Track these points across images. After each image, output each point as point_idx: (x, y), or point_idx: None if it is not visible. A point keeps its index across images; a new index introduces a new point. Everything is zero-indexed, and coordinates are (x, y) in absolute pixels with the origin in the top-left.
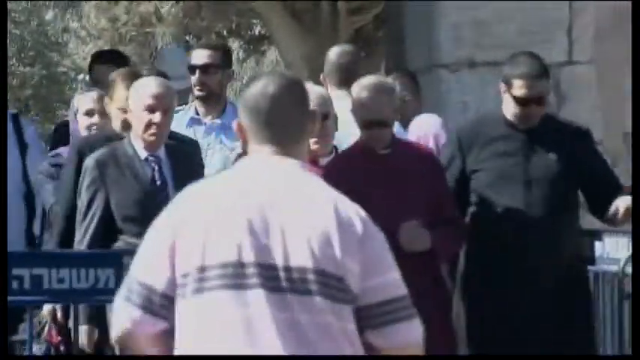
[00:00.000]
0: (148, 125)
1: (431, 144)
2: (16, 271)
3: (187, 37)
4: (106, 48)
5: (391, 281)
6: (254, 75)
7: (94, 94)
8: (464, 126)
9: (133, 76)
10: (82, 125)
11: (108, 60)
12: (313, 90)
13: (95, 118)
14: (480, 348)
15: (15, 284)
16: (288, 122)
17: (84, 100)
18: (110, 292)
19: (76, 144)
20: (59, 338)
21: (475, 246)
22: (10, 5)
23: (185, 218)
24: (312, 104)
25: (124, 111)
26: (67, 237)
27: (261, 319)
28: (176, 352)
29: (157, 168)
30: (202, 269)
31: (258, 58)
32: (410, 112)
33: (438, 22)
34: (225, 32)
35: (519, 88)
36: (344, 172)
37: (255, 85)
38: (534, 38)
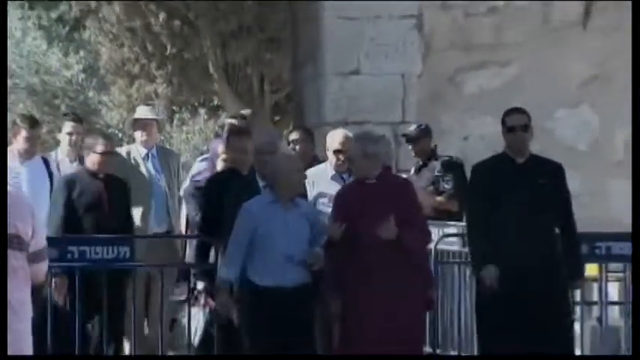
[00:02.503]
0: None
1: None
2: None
3: (174, 107)
4: (125, 115)
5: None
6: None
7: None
8: (481, 163)
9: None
10: (219, 164)
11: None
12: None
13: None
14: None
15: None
16: None
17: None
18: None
19: (220, 172)
20: (212, 302)
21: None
22: (66, 86)
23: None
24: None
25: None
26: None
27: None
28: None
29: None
30: (18, 236)
31: (216, 119)
32: (310, 153)
33: (324, 97)
34: (196, 103)
35: (509, 120)
36: (347, 197)
37: None
38: (382, 107)
